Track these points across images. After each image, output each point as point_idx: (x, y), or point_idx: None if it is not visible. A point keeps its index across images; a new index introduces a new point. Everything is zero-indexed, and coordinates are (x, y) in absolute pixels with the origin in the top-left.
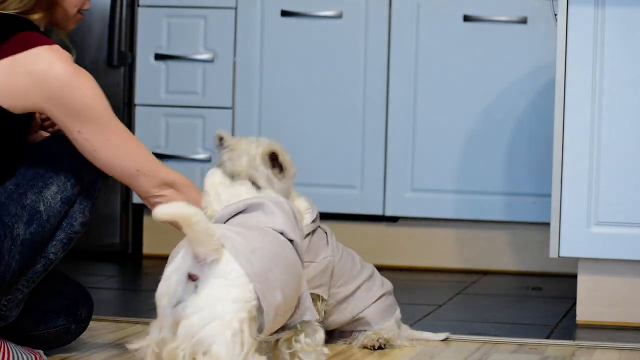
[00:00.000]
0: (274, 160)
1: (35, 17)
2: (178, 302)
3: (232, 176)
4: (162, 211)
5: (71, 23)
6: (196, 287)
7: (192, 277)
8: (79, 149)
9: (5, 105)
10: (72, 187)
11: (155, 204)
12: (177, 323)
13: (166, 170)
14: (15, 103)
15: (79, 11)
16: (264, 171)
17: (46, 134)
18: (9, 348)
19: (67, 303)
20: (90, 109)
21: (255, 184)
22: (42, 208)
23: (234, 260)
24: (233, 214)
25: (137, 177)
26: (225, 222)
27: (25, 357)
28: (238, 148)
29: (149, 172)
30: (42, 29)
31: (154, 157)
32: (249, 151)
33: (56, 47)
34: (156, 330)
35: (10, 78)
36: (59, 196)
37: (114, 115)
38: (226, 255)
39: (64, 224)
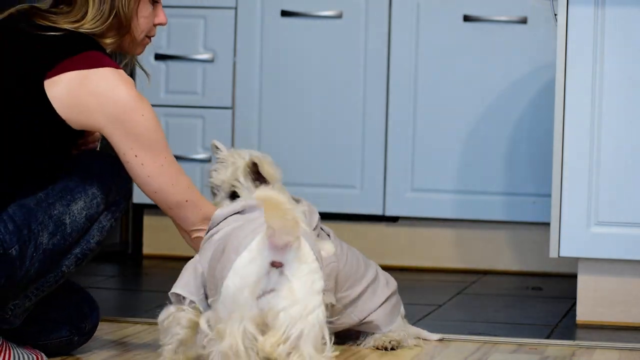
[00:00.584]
0: (256, 172)
1: (107, 41)
2: (264, 292)
3: (216, 186)
4: (261, 195)
5: (139, 48)
6: (281, 273)
7: (275, 265)
8: (132, 173)
9: (66, 118)
10: (97, 205)
11: (196, 239)
12: (264, 314)
13: (208, 204)
14: (77, 118)
15: (146, 36)
16: (245, 183)
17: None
18: (11, 348)
19: (73, 315)
20: (150, 134)
21: (236, 195)
22: (67, 221)
23: (308, 245)
24: (230, 214)
25: (185, 208)
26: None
27: (26, 357)
28: (227, 159)
29: (197, 204)
30: (108, 52)
31: (198, 191)
32: (234, 162)
33: (121, 71)
34: (236, 322)
35: (75, 93)
36: (85, 212)
37: (168, 145)
38: (303, 241)
39: (81, 239)
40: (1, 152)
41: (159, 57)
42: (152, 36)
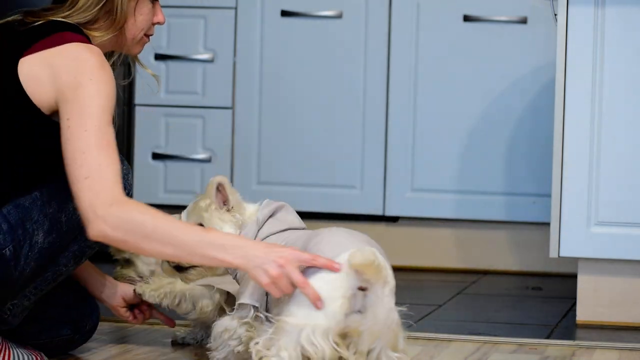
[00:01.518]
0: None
1: (95, 33)
2: (351, 311)
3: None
4: (357, 262)
5: (138, 46)
6: (365, 296)
7: (361, 289)
8: (62, 139)
9: (32, 97)
10: None
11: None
12: (347, 330)
13: (119, 198)
14: (40, 93)
15: (145, 35)
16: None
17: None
18: (10, 348)
19: (74, 313)
20: (89, 99)
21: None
22: (63, 219)
23: (388, 265)
24: (278, 232)
25: (82, 183)
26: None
27: (26, 357)
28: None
29: (99, 188)
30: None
31: (116, 173)
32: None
33: (92, 45)
34: (325, 337)
35: (37, 68)
36: None
37: (109, 121)
38: (383, 260)
39: (79, 237)
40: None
41: (159, 57)
42: (151, 35)
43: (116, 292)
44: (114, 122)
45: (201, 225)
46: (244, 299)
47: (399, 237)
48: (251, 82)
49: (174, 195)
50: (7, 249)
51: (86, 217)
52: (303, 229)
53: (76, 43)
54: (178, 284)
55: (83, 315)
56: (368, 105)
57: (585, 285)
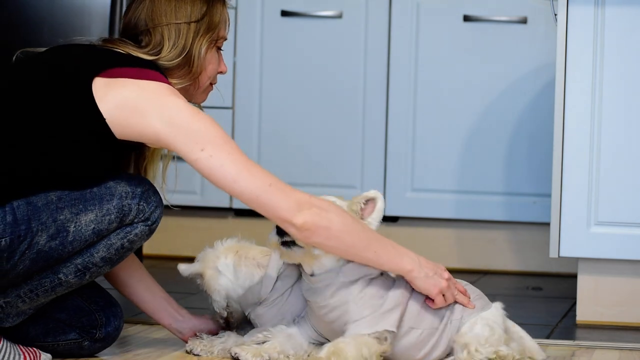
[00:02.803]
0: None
1: (174, 81)
2: None
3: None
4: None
5: (204, 95)
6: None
7: None
8: (205, 171)
9: (111, 122)
10: (109, 222)
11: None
12: None
13: (295, 190)
14: (127, 122)
15: (210, 83)
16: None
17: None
18: (6, 343)
19: (84, 320)
20: (210, 127)
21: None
22: (71, 229)
23: None
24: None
25: (271, 192)
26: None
27: (18, 353)
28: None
29: (283, 187)
30: None
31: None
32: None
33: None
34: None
35: (128, 95)
36: (93, 225)
37: (232, 140)
38: None
39: (84, 251)
40: (32, 153)
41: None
42: (215, 84)
43: (188, 327)
44: None
45: None
46: (391, 327)
47: (399, 237)
48: (251, 82)
49: (174, 195)
50: (3, 239)
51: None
52: None
53: (165, 84)
54: (230, 342)
55: (94, 323)
56: (368, 105)
57: (585, 285)
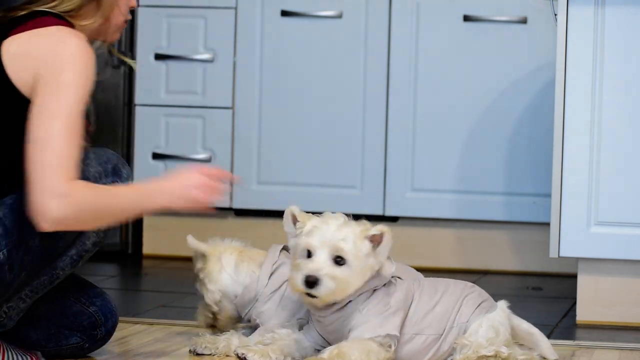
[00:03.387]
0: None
1: (83, 22)
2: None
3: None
4: None
5: (117, 33)
6: None
7: None
8: (31, 119)
9: (14, 79)
10: None
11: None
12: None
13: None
14: (21, 74)
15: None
16: None
17: None
18: (6, 348)
19: (85, 323)
20: (66, 87)
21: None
22: None
23: None
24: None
25: (39, 171)
26: None
27: (20, 358)
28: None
29: (58, 171)
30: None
31: (75, 163)
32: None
33: (76, 30)
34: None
35: (16, 49)
36: None
37: (81, 112)
38: None
39: (77, 241)
40: None
41: (159, 57)
42: (128, 20)
43: None
44: (88, 117)
45: None
46: (394, 331)
47: (399, 237)
48: (251, 82)
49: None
50: (1, 252)
51: (36, 209)
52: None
53: (59, 26)
54: (233, 342)
55: (95, 323)
56: (368, 105)
57: (585, 285)
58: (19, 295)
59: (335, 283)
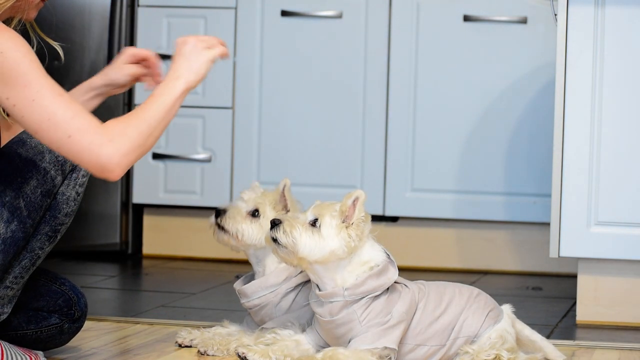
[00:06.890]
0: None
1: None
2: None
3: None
4: None
5: (34, 10)
6: None
7: None
8: (15, 118)
9: None
10: (52, 178)
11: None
12: None
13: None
14: None
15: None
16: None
17: None
18: (4, 348)
19: (61, 302)
20: (13, 68)
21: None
22: (22, 204)
23: None
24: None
25: (70, 144)
26: None
27: (20, 358)
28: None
29: (84, 129)
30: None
31: (86, 114)
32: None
33: None
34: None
35: None
36: (39, 190)
37: (43, 74)
38: None
39: (47, 216)
40: None
41: (159, 57)
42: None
43: (123, 74)
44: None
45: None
46: (393, 344)
47: (399, 237)
48: (251, 82)
49: (174, 195)
50: None
51: (98, 167)
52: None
53: None
54: (245, 341)
55: (70, 302)
56: (368, 105)
57: (585, 285)
58: (4, 284)
59: (297, 234)
